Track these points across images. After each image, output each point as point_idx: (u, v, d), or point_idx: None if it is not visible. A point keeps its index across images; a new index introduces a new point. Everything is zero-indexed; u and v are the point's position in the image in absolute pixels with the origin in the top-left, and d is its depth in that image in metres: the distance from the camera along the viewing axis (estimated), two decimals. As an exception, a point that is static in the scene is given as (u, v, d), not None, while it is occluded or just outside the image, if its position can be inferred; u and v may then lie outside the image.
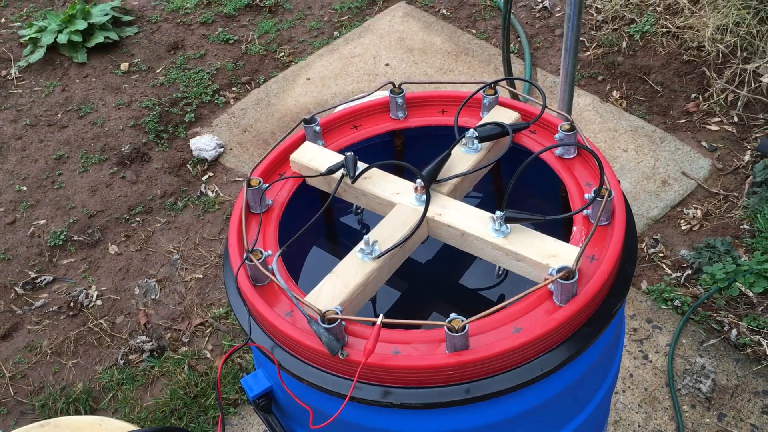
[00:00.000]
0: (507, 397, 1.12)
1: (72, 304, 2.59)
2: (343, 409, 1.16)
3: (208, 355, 2.35)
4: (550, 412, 1.22)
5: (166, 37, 3.79)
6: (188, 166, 3.11)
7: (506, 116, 1.44)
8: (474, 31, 3.64)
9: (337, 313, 1.10)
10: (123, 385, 2.32)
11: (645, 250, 2.56)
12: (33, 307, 2.60)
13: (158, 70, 3.61)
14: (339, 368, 1.12)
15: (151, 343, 2.42)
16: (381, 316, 1.09)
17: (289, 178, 1.39)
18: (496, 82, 1.48)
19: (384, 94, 1.52)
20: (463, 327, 1.07)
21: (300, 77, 3.51)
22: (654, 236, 2.59)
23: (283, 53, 3.67)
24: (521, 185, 1.46)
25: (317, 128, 1.46)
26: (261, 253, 1.22)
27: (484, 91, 1.47)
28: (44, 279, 2.70)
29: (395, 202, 1.30)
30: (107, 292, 2.64)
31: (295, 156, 1.42)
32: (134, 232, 2.85)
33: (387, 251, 1.20)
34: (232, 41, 3.74)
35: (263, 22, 3.85)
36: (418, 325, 1.11)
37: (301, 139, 1.47)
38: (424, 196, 1.28)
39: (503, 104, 1.48)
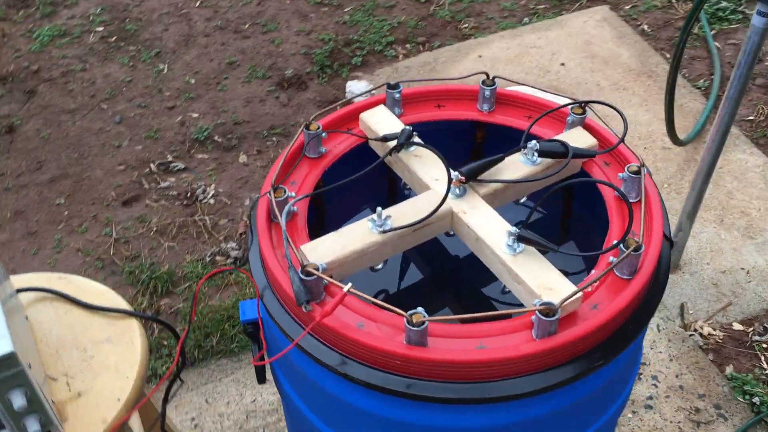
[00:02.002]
0: (444, 407, 1.10)
1: (189, 194, 2.81)
2: (308, 367, 1.20)
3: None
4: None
5: (365, -19, 3.90)
6: (338, 105, 3.21)
7: (583, 140, 1.37)
8: (667, 56, 3.42)
9: (317, 269, 1.13)
10: (200, 279, 2.51)
11: (749, 335, 2.33)
12: (158, 186, 2.86)
13: (346, 9, 3.73)
14: (305, 320, 1.15)
15: (237, 252, 2.58)
16: (349, 284, 1.10)
17: (349, 133, 1.42)
18: (587, 103, 1.41)
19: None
20: (422, 323, 1.06)
21: (473, 52, 3.49)
22: (766, 324, 2.35)
23: (467, 25, 3.65)
24: (588, 214, 1.40)
25: (397, 95, 1.47)
26: (284, 191, 1.26)
27: (572, 109, 1.41)
28: (177, 165, 2.94)
29: (430, 186, 1.30)
30: (222, 195, 2.83)
31: (365, 115, 1.44)
32: (266, 149, 3.02)
33: (395, 229, 1.21)
34: (424, 0, 3.78)
35: (461, -10, 3.85)
36: (387, 308, 1.11)
37: (381, 102, 1.49)
38: (458, 190, 1.27)
39: (588, 127, 1.40)
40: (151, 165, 2.94)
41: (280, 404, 2.18)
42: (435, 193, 1.27)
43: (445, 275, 1.50)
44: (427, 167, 1.33)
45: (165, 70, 3.38)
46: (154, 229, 2.69)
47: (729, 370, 2.23)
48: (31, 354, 1.14)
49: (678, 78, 3.32)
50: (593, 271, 1.18)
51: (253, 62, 3.43)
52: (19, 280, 1.33)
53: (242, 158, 2.98)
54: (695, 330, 2.36)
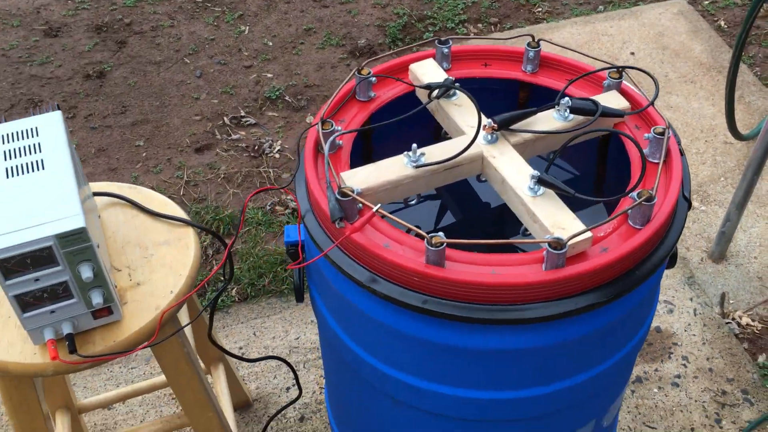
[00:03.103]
0: (456, 324, 1.21)
1: (257, 147, 2.99)
2: (339, 284, 1.33)
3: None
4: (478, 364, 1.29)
5: (445, -40, 3.99)
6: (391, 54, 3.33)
7: (616, 102, 1.45)
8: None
9: (352, 191, 1.26)
10: (260, 225, 2.68)
11: (788, 328, 2.34)
12: (229, 138, 3.04)
13: (424, -14, 3.83)
14: (338, 237, 1.28)
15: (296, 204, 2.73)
16: (379, 205, 1.22)
17: (397, 80, 1.53)
18: (623, 68, 1.48)
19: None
20: (441, 244, 1.17)
21: (542, 36, 3.54)
22: (806, 320, 2.35)
23: (541, 9, 3.71)
24: (621, 177, 1.47)
25: (446, 50, 1.58)
26: (331, 125, 1.39)
27: (609, 73, 1.48)
28: (248, 120, 3.12)
29: (465, 132, 1.40)
30: (287, 151, 2.99)
31: (414, 66, 1.56)
32: (333, 113, 3.16)
33: (426, 164, 1.32)
34: (500, -18, 3.85)
35: (538, -25, 3.90)
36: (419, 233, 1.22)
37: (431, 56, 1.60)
38: (490, 137, 1.37)
39: (625, 92, 1.48)
40: (225, 118, 3.12)
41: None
42: (469, 138, 1.38)
43: (476, 221, 1.61)
44: (464, 115, 1.43)
45: (246, 32, 3.57)
46: (222, 176, 2.87)
47: (762, 359, 2.26)
48: (101, 244, 1.31)
49: (750, 76, 3.30)
50: (610, 216, 1.27)
51: (328, 30, 3.57)
52: (97, 186, 1.50)
53: (309, 119, 3.14)
54: (733, 319, 2.39)
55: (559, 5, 3.74)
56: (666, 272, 2.49)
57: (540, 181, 1.26)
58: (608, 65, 1.50)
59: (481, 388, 1.32)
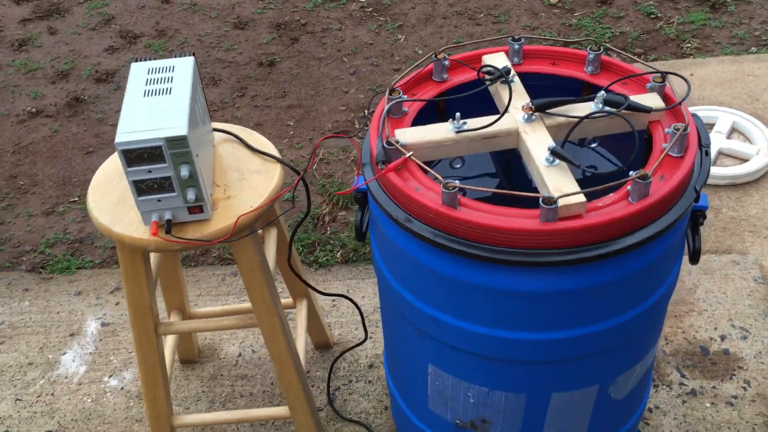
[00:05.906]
0: (458, 258, 1.45)
1: (388, 139, 3.33)
2: (383, 222, 1.61)
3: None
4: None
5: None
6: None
7: (652, 101, 1.61)
8: None
9: (397, 143, 1.54)
10: (374, 204, 3.01)
11: None
12: (366, 127, 3.41)
13: (576, 13, 4.01)
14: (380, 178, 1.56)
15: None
16: (411, 153, 1.49)
17: (461, 63, 1.79)
18: (666, 73, 1.64)
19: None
20: (454, 188, 1.42)
21: (685, 70, 3.59)
22: None
23: (690, 45, 3.76)
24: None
25: (517, 47, 1.82)
26: (399, 93, 1.68)
27: (653, 77, 1.65)
28: (386, 115, 3.48)
29: (509, 111, 1.63)
30: (414, 145, 3.31)
31: (486, 57, 1.81)
32: (463, 118, 3.44)
33: (466, 130, 1.57)
34: (653, 16, 3.94)
35: (696, 13, 3.94)
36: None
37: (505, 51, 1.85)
38: (526, 116, 1.59)
39: (667, 96, 1.64)
40: (365, 111, 3.50)
41: (402, 309, 2.60)
42: (509, 115, 1.61)
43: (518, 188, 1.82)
44: (514, 99, 1.67)
45: (401, 40, 3.95)
46: (352, 158, 3.24)
47: (830, 398, 2.23)
48: (207, 165, 1.69)
49: None
50: (611, 191, 1.45)
51: (476, 45, 3.86)
52: (219, 125, 1.90)
53: (441, 120, 3.43)
54: (813, 358, 2.36)
55: (710, 43, 3.77)
56: (748, 302, 2.51)
57: (554, 153, 1.47)
58: (654, 70, 1.66)
59: (478, 323, 1.54)
